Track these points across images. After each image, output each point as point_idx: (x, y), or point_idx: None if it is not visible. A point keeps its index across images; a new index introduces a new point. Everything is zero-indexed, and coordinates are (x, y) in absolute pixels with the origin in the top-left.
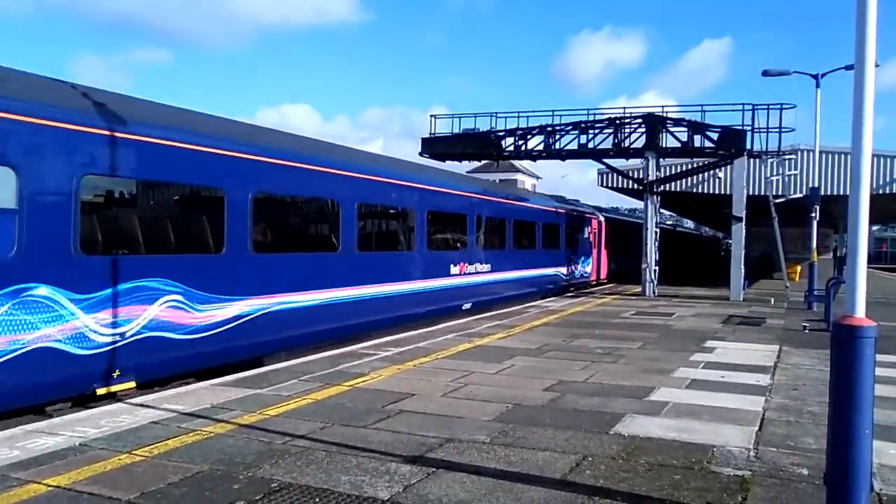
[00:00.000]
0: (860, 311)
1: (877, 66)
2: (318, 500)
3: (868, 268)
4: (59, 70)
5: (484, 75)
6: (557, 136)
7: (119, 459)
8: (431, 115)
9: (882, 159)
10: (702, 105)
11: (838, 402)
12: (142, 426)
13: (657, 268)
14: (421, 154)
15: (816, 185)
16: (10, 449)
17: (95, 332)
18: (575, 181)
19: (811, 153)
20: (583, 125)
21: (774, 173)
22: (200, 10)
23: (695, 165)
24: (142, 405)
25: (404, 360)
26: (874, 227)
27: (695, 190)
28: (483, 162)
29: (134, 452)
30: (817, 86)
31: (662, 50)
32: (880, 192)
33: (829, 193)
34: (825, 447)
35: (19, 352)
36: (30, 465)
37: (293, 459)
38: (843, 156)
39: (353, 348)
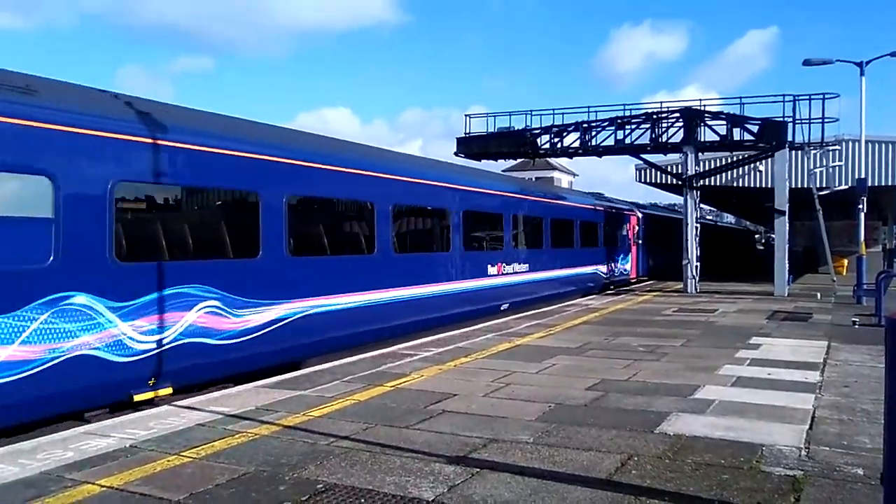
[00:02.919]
0: None
1: None
2: (363, 500)
3: None
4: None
5: (523, 74)
6: (593, 133)
7: (168, 461)
8: (466, 115)
9: None
10: (741, 97)
11: (894, 398)
12: (188, 428)
13: (698, 263)
14: (456, 154)
15: (863, 175)
16: (63, 450)
17: (133, 339)
18: (614, 178)
19: (856, 143)
20: (619, 121)
21: (818, 165)
22: (241, 17)
23: (734, 159)
24: (188, 407)
25: (445, 361)
26: None
27: (735, 184)
28: (519, 160)
29: (182, 454)
30: (861, 74)
31: (704, 42)
32: None
33: (876, 184)
34: (881, 446)
35: (59, 360)
36: (83, 465)
37: (338, 460)
38: (890, 145)
39: (394, 349)
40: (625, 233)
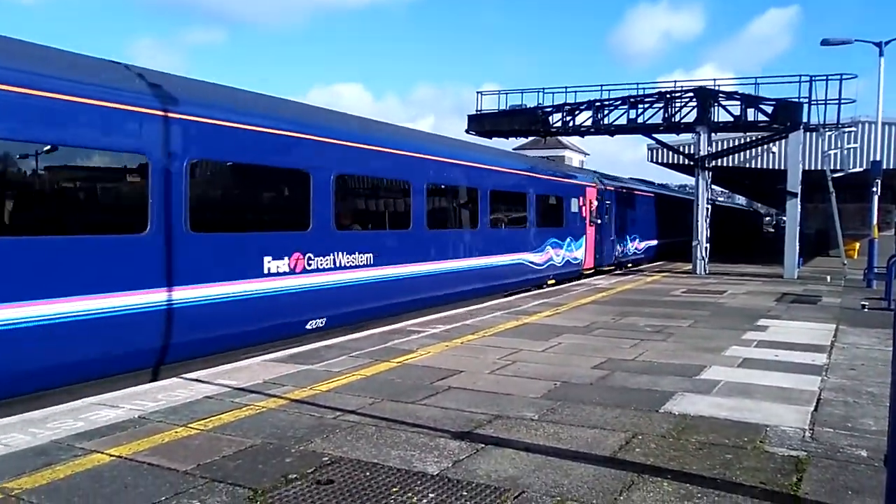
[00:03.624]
0: None
1: None
2: (368, 473)
3: None
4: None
5: (538, 52)
6: (606, 112)
7: (176, 432)
8: (478, 92)
9: None
10: (756, 77)
11: None
12: (196, 400)
13: (708, 245)
14: (467, 131)
15: (878, 158)
16: (74, 420)
17: None
18: (626, 157)
19: (872, 125)
20: (632, 100)
21: (832, 147)
22: None
23: (748, 140)
24: (196, 380)
25: (452, 338)
26: None
27: (747, 165)
28: (530, 139)
29: (190, 426)
30: (881, 54)
31: (721, 21)
32: None
33: (891, 167)
34: (885, 428)
35: None
36: (93, 435)
37: (344, 434)
38: None
39: (402, 325)
40: (575, 210)
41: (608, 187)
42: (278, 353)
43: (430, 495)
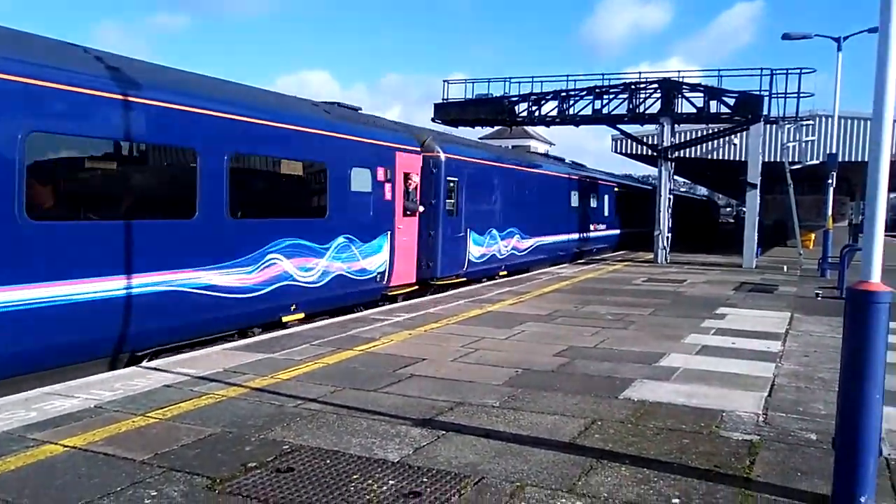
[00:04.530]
0: (876, 276)
1: None
2: (328, 461)
3: (886, 235)
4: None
5: (508, 42)
6: (571, 102)
7: (133, 421)
8: (445, 81)
9: None
10: (719, 70)
11: (849, 367)
12: (155, 389)
13: (669, 234)
14: (433, 120)
15: (834, 151)
16: (26, 411)
17: None
18: (592, 147)
19: (829, 119)
20: (597, 90)
21: (791, 139)
22: None
23: (710, 131)
24: (156, 369)
25: (415, 326)
26: (891, 195)
27: (709, 156)
28: (496, 128)
29: (148, 415)
30: (839, 49)
31: (690, 14)
32: None
33: (846, 160)
34: (834, 413)
35: None
36: (46, 426)
37: (304, 422)
38: (862, 122)
39: (365, 314)
40: (364, 189)
41: (454, 157)
42: (239, 342)
43: (391, 482)
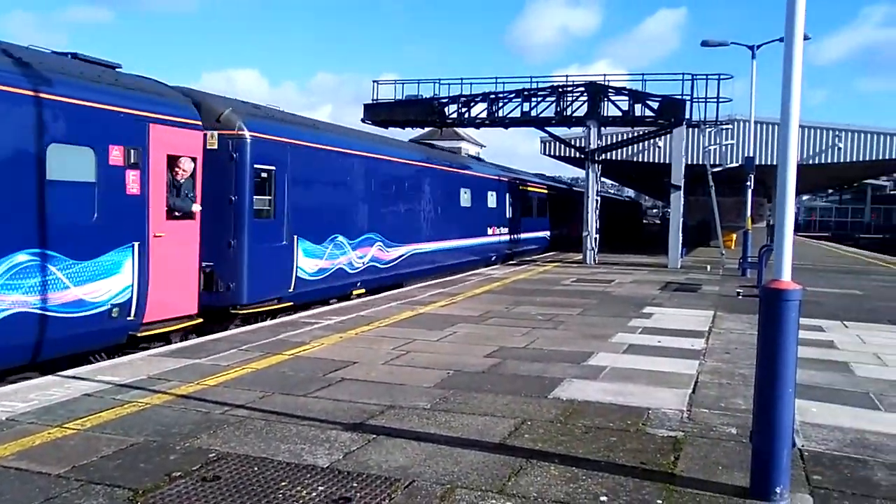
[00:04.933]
0: (786, 275)
1: (807, 38)
2: (256, 468)
3: (797, 235)
4: None
5: (439, 43)
6: (500, 104)
7: (49, 433)
8: (374, 81)
9: (813, 130)
10: (643, 74)
11: (764, 362)
12: (74, 399)
13: (597, 236)
14: (363, 121)
15: (752, 154)
16: None
17: None
18: (522, 150)
19: (747, 123)
20: (525, 93)
21: (712, 143)
22: None
23: (636, 134)
24: (74, 377)
25: (346, 329)
26: (805, 197)
27: (636, 159)
28: (427, 129)
29: (65, 426)
30: (753, 57)
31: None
32: (810, 162)
33: (763, 163)
34: (752, 407)
35: None
36: None
37: (231, 429)
38: (777, 126)
39: (295, 317)
40: (127, 188)
41: (269, 137)
42: (163, 348)
43: (320, 488)
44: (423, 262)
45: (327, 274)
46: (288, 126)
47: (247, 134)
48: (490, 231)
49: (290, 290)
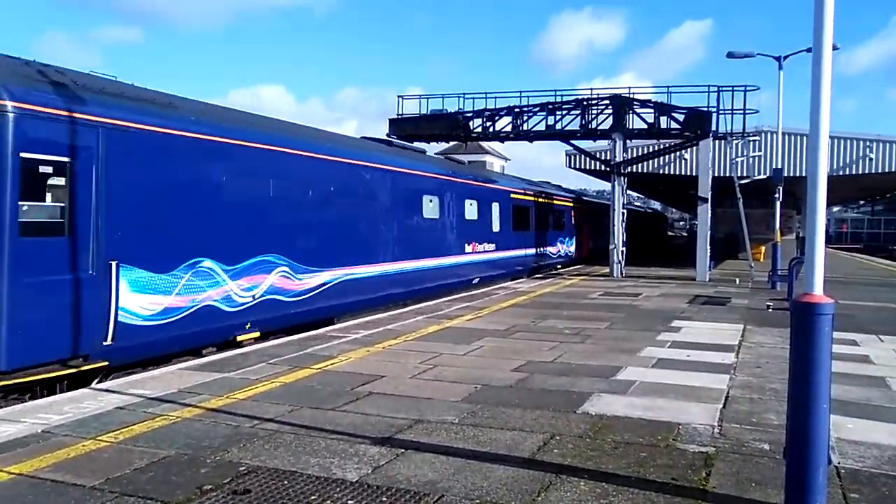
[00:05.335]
0: (818, 288)
1: (835, 48)
2: (286, 482)
3: (828, 248)
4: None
5: (464, 57)
6: (525, 118)
7: (83, 446)
8: (399, 96)
9: (843, 141)
10: (668, 87)
11: (797, 378)
12: (107, 412)
13: (624, 248)
14: (388, 135)
15: (780, 166)
16: None
17: None
18: (546, 163)
19: (775, 135)
20: (550, 106)
21: (739, 155)
22: None
23: (661, 147)
24: (107, 391)
25: (373, 343)
26: (835, 209)
27: (661, 171)
28: (451, 143)
29: (99, 438)
30: (780, 68)
31: (642, 31)
32: (840, 173)
33: (792, 175)
34: (785, 423)
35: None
36: None
37: (261, 443)
38: (805, 137)
39: (323, 331)
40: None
41: (60, 113)
42: (193, 362)
43: (350, 502)
44: (357, 290)
45: (182, 315)
46: (107, 98)
47: (8, 104)
48: (473, 248)
49: (107, 341)
